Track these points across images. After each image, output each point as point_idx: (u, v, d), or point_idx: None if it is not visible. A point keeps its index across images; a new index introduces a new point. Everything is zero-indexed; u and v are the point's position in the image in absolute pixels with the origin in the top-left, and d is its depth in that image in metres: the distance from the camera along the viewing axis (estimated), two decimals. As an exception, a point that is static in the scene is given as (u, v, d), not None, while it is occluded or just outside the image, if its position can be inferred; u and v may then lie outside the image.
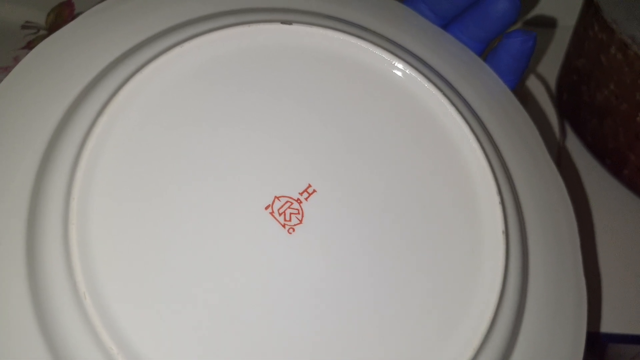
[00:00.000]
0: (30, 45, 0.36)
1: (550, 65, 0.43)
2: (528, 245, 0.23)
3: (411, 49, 0.24)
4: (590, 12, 0.36)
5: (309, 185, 0.21)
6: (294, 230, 0.20)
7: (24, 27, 0.37)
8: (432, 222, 0.21)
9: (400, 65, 0.23)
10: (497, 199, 0.22)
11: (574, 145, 0.40)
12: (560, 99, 0.41)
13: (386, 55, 0.23)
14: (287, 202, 0.20)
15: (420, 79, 0.23)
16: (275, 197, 0.20)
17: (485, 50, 0.28)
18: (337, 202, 0.21)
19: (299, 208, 0.20)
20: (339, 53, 0.23)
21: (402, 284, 0.20)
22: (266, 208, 0.20)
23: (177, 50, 0.21)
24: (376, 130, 0.22)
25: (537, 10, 0.46)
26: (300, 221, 0.20)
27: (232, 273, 0.19)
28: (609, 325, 0.34)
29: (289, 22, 0.22)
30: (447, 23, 0.28)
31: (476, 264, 0.21)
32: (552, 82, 0.43)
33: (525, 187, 0.24)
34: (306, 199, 0.21)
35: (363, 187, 0.21)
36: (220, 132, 0.21)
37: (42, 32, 0.37)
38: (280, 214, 0.20)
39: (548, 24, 0.46)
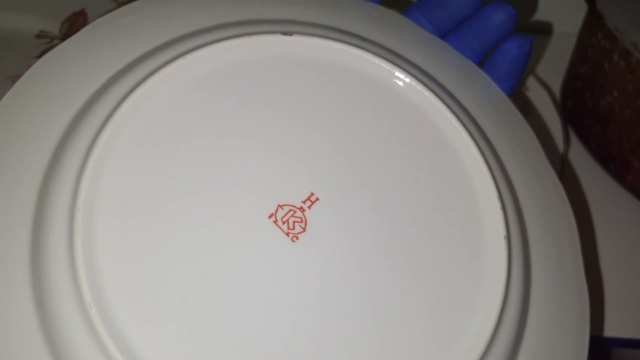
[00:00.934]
0: (44, 54, 0.37)
1: (555, 72, 0.43)
2: (530, 250, 0.23)
3: (410, 59, 0.25)
4: (594, 19, 0.36)
5: (312, 194, 0.21)
6: (297, 238, 0.20)
7: (38, 36, 0.38)
8: (434, 228, 0.22)
9: (400, 74, 0.23)
10: (498, 204, 0.22)
11: (578, 152, 0.40)
12: (565, 105, 0.41)
13: (386, 65, 0.23)
14: (290, 210, 0.21)
15: (420, 87, 0.23)
16: (279, 205, 0.21)
17: (483, 60, 0.28)
18: (340, 210, 0.21)
19: (302, 216, 0.21)
20: (339, 63, 0.23)
21: (405, 291, 0.21)
22: (269, 217, 0.21)
23: (180, 62, 0.21)
24: (377, 139, 0.22)
25: (540, 17, 0.47)
26: (304, 229, 0.21)
27: (237, 283, 0.20)
28: (612, 329, 0.34)
29: (290, 33, 0.22)
30: (445, 34, 0.28)
31: (479, 270, 0.21)
32: (557, 89, 0.43)
33: (526, 193, 0.24)
34: (309, 207, 0.21)
35: (365, 195, 0.22)
36: (223, 142, 0.21)
37: (56, 41, 0.38)
38: (283, 223, 0.21)
39: (546, 30, 0.46)
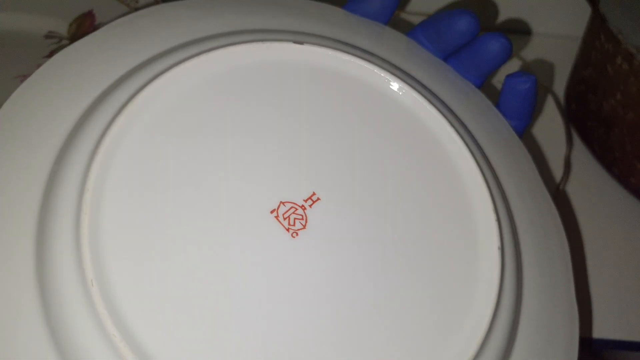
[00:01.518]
0: (53, 55, 0.37)
1: (559, 75, 0.43)
2: (522, 263, 0.24)
3: (414, 75, 0.25)
4: (597, 22, 0.36)
5: (314, 193, 0.22)
6: (297, 234, 0.21)
7: (47, 36, 0.39)
8: (431, 236, 0.22)
9: (405, 88, 0.24)
10: (493, 216, 0.22)
11: (582, 154, 0.40)
12: (568, 108, 0.41)
13: (392, 79, 0.24)
14: (291, 207, 0.21)
15: (423, 102, 0.24)
16: (281, 202, 0.21)
17: (483, 83, 0.29)
18: (340, 211, 0.22)
19: (303, 214, 0.21)
20: (347, 73, 0.24)
21: (399, 295, 0.21)
22: (272, 212, 0.21)
23: (195, 61, 0.22)
24: (380, 148, 0.23)
25: (544, 20, 0.47)
26: (304, 226, 0.21)
27: (236, 272, 0.20)
28: (625, 333, 0.34)
29: (301, 42, 0.23)
30: (447, 56, 0.28)
31: (472, 278, 0.22)
32: (560, 92, 0.43)
33: (520, 209, 0.25)
34: (310, 205, 0.21)
35: (366, 198, 0.22)
36: (231, 139, 0.22)
37: (64, 41, 0.38)
38: (284, 219, 0.21)
39: (550, 33, 0.47)
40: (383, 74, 0.24)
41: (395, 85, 0.24)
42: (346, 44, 0.25)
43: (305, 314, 0.20)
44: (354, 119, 0.23)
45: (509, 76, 0.27)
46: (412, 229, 0.22)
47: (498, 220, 0.22)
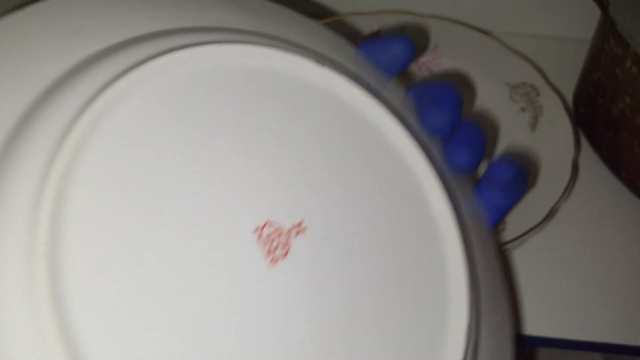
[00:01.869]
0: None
1: (568, 78, 0.43)
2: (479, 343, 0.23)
3: (409, 122, 0.25)
4: (607, 26, 0.36)
5: (302, 221, 0.21)
6: (276, 261, 0.20)
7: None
8: (403, 298, 0.21)
9: (396, 127, 0.23)
10: (466, 301, 0.22)
11: (589, 158, 0.40)
12: (576, 111, 0.41)
13: (391, 123, 0.23)
14: (276, 230, 0.20)
15: (417, 154, 0.23)
16: (266, 221, 0.20)
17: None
18: (324, 245, 0.21)
19: (287, 241, 0.21)
20: (354, 110, 0.23)
21: (362, 349, 0.20)
22: (255, 231, 0.20)
23: (185, 52, 0.20)
24: (372, 190, 0.22)
25: (553, 23, 0.47)
26: (285, 255, 0.20)
27: (199, 288, 0.19)
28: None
29: (322, 64, 0.22)
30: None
31: (437, 343, 0.21)
32: (569, 95, 0.43)
33: (486, 298, 0.24)
34: (297, 234, 0.21)
35: (351, 240, 0.21)
36: (224, 145, 0.20)
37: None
38: (265, 243, 0.20)
39: (559, 36, 0.46)
40: (380, 110, 0.23)
41: (391, 128, 0.23)
42: (369, 86, 0.24)
43: (268, 344, 0.19)
44: (349, 153, 0.22)
45: (491, 164, 0.26)
46: (387, 291, 0.21)
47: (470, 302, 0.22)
